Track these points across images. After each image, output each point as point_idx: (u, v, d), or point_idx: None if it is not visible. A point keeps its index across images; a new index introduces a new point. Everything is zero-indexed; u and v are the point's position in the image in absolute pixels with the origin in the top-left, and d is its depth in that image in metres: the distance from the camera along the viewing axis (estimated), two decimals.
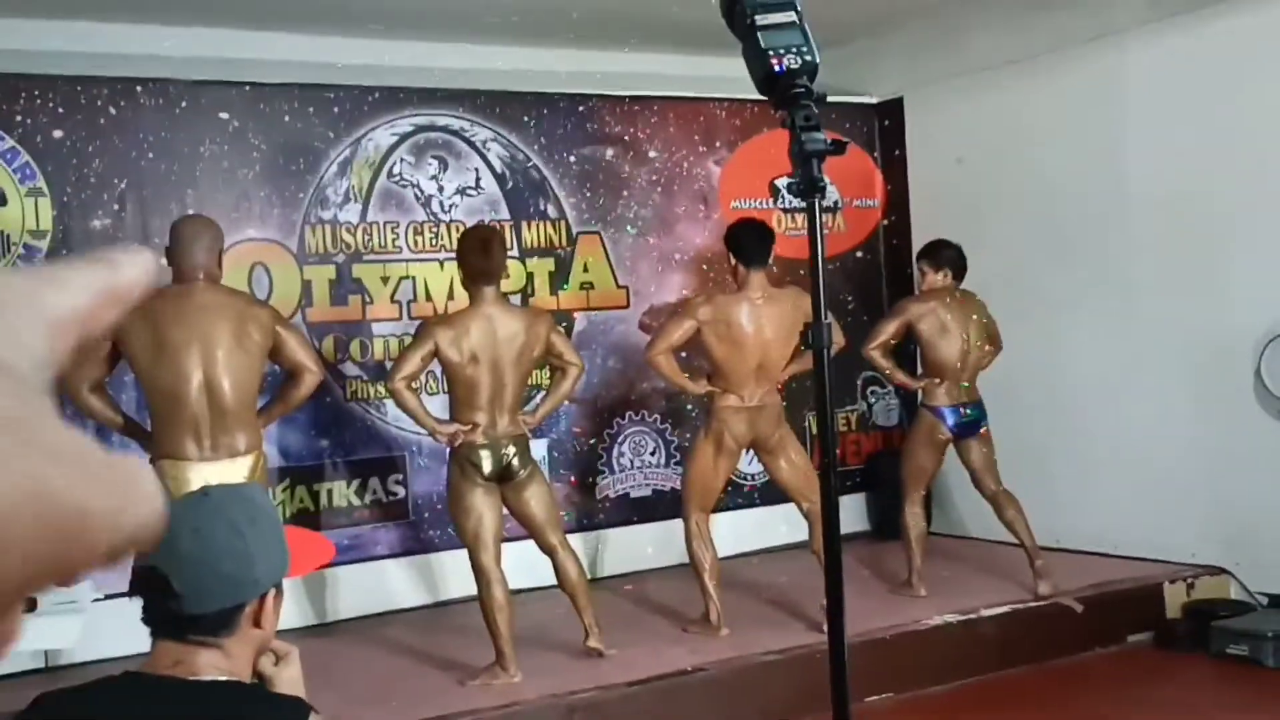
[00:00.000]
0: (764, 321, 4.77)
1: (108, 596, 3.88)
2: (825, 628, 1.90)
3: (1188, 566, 5.48)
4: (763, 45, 1.49)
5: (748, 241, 4.82)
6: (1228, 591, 5.39)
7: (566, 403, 5.87)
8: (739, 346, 4.76)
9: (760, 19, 1.50)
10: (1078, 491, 5.99)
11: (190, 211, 4.82)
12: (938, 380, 5.29)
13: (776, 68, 1.48)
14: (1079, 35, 5.90)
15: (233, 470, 3.94)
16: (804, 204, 1.50)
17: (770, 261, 4.86)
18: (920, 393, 5.37)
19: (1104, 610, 5.19)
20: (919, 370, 5.50)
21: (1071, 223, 6.05)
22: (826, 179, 1.54)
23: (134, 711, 1.64)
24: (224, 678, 1.67)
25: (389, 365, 5.59)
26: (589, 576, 5.68)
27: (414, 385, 4.46)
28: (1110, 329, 5.91)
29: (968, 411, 5.29)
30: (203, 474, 3.90)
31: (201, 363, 3.93)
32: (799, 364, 4.94)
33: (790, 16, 1.52)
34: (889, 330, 5.29)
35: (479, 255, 4.41)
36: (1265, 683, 4.65)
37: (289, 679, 1.79)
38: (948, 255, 5.32)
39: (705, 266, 6.40)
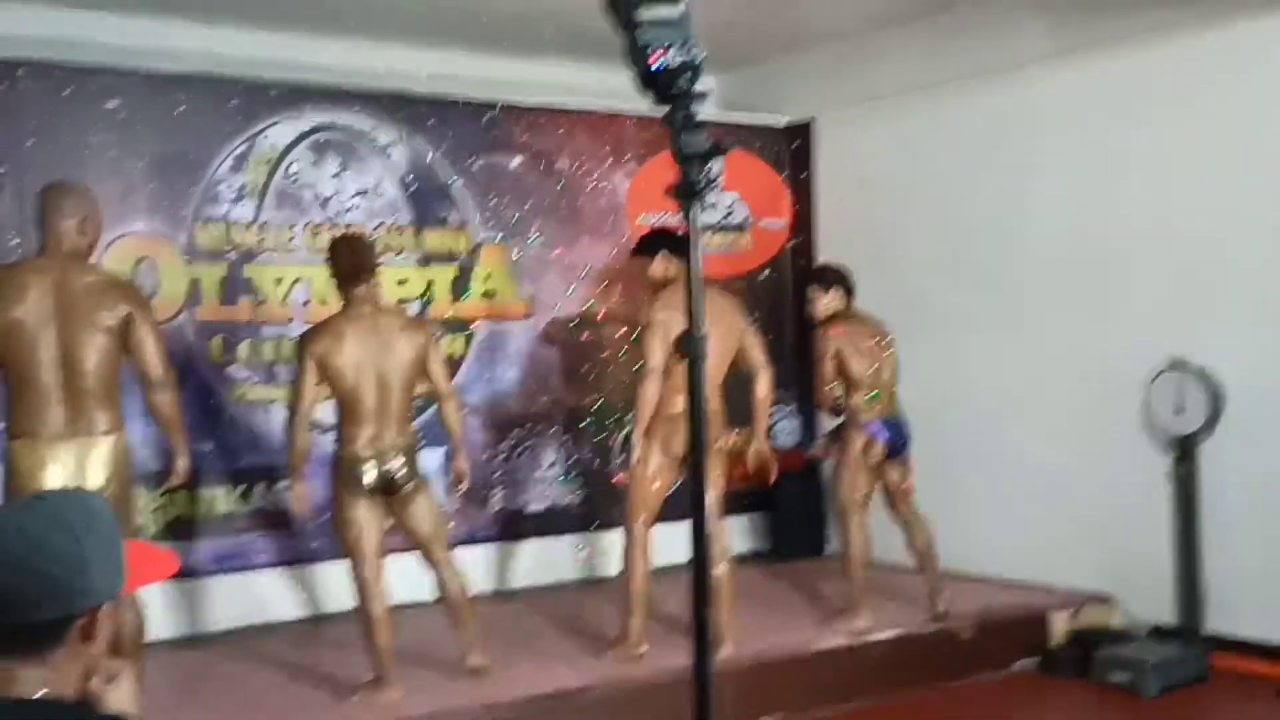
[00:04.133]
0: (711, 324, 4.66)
1: None
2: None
3: (1074, 593, 5.54)
4: (641, 40, 1.44)
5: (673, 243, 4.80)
6: (1112, 619, 5.47)
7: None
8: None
9: (643, 13, 1.44)
10: (972, 515, 6.04)
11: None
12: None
13: (654, 65, 1.42)
14: (986, 66, 5.98)
15: (91, 450, 3.77)
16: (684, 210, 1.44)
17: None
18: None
19: (991, 636, 5.22)
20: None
21: (973, 248, 6.11)
22: (710, 184, 1.48)
23: None
24: (45, 695, 1.54)
25: (277, 369, 5.44)
26: (486, 590, 5.58)
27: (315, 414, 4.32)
28: (1008, 354, 5.98)
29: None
30: (58, 453, 3.73)
31: (57, 339, 3.76)
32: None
33: (675, 11, 1.46)
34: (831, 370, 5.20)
35: (347, 254, 4.33)
36: (1143, 712, 4.71)
37: (118, 699, 1.66)
38: (835, 276, 5.32)
39: (607, 280, 6.34)
